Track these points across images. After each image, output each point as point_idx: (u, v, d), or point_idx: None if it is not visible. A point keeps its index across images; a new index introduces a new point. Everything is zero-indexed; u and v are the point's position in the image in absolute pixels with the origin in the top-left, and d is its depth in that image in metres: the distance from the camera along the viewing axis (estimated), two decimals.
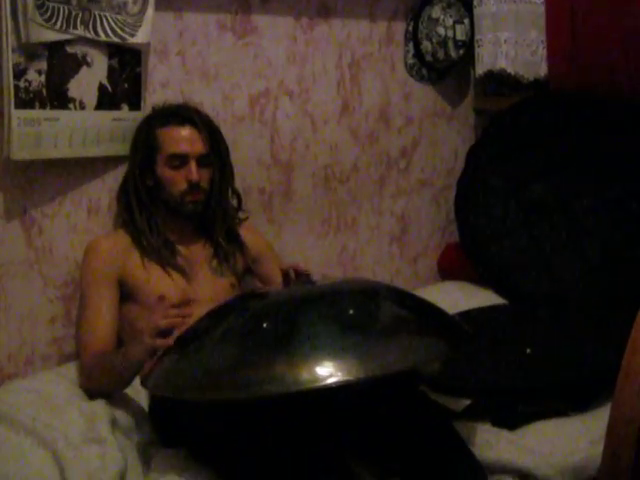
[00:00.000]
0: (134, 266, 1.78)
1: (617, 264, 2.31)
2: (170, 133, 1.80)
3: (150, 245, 1.79)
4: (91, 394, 1.68)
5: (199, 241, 1.90)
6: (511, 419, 1.76)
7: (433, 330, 1.46)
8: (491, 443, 1.68)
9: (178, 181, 1.79)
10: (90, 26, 1.72)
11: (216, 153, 1.85)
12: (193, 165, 1.78)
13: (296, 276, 1.63)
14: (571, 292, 2.35)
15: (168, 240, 1.83)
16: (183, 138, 1.79)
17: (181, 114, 1.83)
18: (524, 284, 2.45)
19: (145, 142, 1.82)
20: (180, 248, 1.85)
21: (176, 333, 1.45)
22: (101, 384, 1.66)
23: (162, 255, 1.79)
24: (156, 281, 1.77)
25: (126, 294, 1.79)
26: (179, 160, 1.79)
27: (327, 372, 1.24)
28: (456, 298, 2.39)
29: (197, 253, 1.87)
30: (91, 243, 1.82)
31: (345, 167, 2.45)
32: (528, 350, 1.95)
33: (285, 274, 1.65)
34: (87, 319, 1.74)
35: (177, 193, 1.80)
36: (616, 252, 2.32)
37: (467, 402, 1.82)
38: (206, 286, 1.83)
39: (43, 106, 1.70)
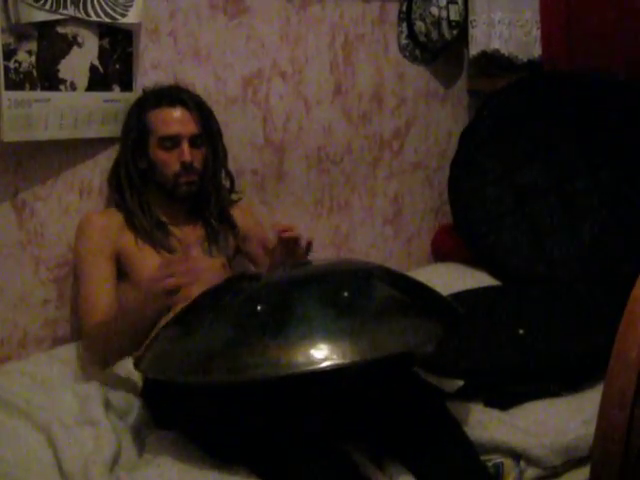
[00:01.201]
0: (127, 245, 1.78)
1: (610, 246, 2.32)
2: (161, 115, 1.79)
3: (143, 227, 1.79)
4: (101, 363, 1.68)
5: (191, 222, 1.89)
6: (504, 399, 1.76)
7: (427, 311, 1.46)
8: (484, 423, 1.68)
9: (171, 162, 1.78)
10: (80, 6, 1.71)
11: (208, 133, 1.84)
12: (186, 146, 1.77)
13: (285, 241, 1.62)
14: (564, 273, 2.36)
15: (161, 221, 1.82)
16: (175, 119, 1.79)
17: (172, 95, 1.82)
18: (517, 265, 2.45)
19: (137, 124, 1.81)
20: (173, 229, 1.85)
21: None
22: (111, 347, 1.64)
23: (155, 237, 1.79)
24: (149, 262, 1.77)
25: (118, 273, 1.78)
26: (171, 141, 1.78)
27: (321, 355, 1.24)
28: (449, 279, 2.40)
29: (189, 234, 1.87)
30: (85, 218, 1.82)
31: (338, 148, 2.44)
32: (521, 331, 1.96)
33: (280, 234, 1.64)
34: (86, 293, 1.72)
35: (170, 174, 1.79)
36: (609, 234, 2.32)
37: (460, 383, 1.83)
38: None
39: (33, 87, 1.68)
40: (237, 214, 1.97)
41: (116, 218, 1.81)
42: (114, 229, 1.79)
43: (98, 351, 1.68)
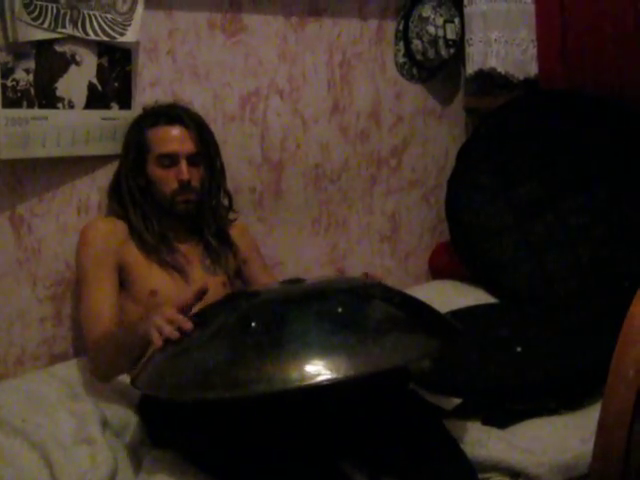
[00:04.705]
0: (131, 256, 1.77)
1: (607, 262, 2.32)
2: (159, 133, 1.80)
3: (148, 243, 1.78)
4: (102, 376, 1.68)
5: (192, 240, 1.89)
6: (502, 417, 1.76)
7: (422, 327, 1.46)
8: (482, 441, 1.68)
9: (169, 181, 1.79)
10: (79, 25, 1.72)
11: (206, 152, 1.85)
12: (183, 164, 1.78)
13: None
14: (562, 290, 2.36)
15: (166, 237, 1.82)
16: (173, 137, 1.79)
17: (171, 113, 1.82)
18: (515, 282, 2.45)
19: (135, 142, 1.82)
20: (176, 246, 1.84)
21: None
22: (111, 363, 1.63)
23: (160, 252, 1.79)
24: (151, 276, 1.77)
25: (119, 283, 1.78)
26: (169, 160, 1.79)
27: (316, 370, 1.23)
28: (447, 297, 2.39)
29: (190, 251, 1.87)
30: (90, 224, 1.82)
31: (336, 166, 2.45)
32: (519, 348, 1.95)
33: None
34: (90, 302, 1.70)
35: (168, 193, 1.79)
36: (606, 251, 2.32)
37: (458, 401, 1.82)
38: (199, 284, 1.82)
39: (31, 105, 1.69)
40: (235, 234, 1.97)
41: (121, 227, 1.80)
42: (119, 238, 1.78)
43: (100, 364, 1.66)
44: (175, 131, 1.80)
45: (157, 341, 1.41)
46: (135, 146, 1.82)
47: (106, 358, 1.64)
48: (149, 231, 1.80)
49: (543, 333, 2.08)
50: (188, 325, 1.41)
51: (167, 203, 1.81)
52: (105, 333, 1.65)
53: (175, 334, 1.40)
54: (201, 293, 1.51)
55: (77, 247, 1.79)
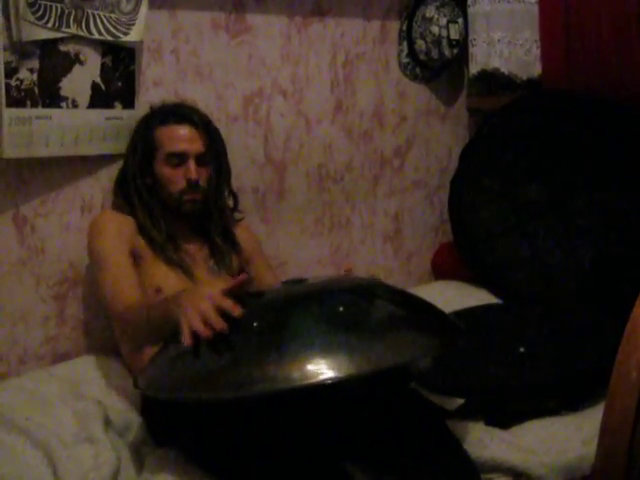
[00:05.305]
0: (141, 249, 1.77)
1: (610, 263, 2.32)
2: (169, 132, 1.79)
3: (156, 241, 1.78)
4: (134, 345, 1.68)
5: (197, 239, 1.89)
6: (504, 418, 1.76)
7: (424, 326, 1.46)
8: (484, 442, 1.68)
9: (177, 180, 1.79)
10: (83, 24, 1.72)
11: (214, 152, 1.85)
12: (192, 163, 1.78)
13: None
14: (564, 291, 2.35)
15: (173, 236, 1.82)
16: (182, 137, 1.79)
17: (180, 113, 1.82)
18: (517, 283, 2.45)
19: (144, 141, 1.82)
20: (182, 244, 1.85)
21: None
22: (140, 335, 1.62)
23: (167, 250, 1.79)
24: (157, 273, 1.76)
25: None
26: (178, 159, 1.79)
27: (318, 369, 1.23)
28: (450, 297, 2.39)
29: (195, 251, 1.87)
30: (101, 214, 1.83)
31: (339, 166, 2.45)
32: (521, 349, 1.95)
33: None
34: (112, 279, 1.68)
35: (176, 192, 1.79)
36: (609, 251, 2.32)
37: (460, 401, 1.82)
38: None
39: (35, 105, 1.69)
40: (240, 233, 1.97)
41: (130, 221, 1.80)
42: (129, 229, 1.78)
43: (130, 336, 1.66)
44: (184, 130, 1.80)
45: (187, 339, 1.32)
46: (143, 144, 1.81)
47: (134, 331, 1.62)
48: (157, 229, 1.80)
49: (546, 334, 2.08)
50: (222, 326, 1.31)
51: (174, 202, 1.81)
52: (131, 306, 1.61)
53: (207, 334, 1.31)
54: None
55: (90, 237, 1.78)
